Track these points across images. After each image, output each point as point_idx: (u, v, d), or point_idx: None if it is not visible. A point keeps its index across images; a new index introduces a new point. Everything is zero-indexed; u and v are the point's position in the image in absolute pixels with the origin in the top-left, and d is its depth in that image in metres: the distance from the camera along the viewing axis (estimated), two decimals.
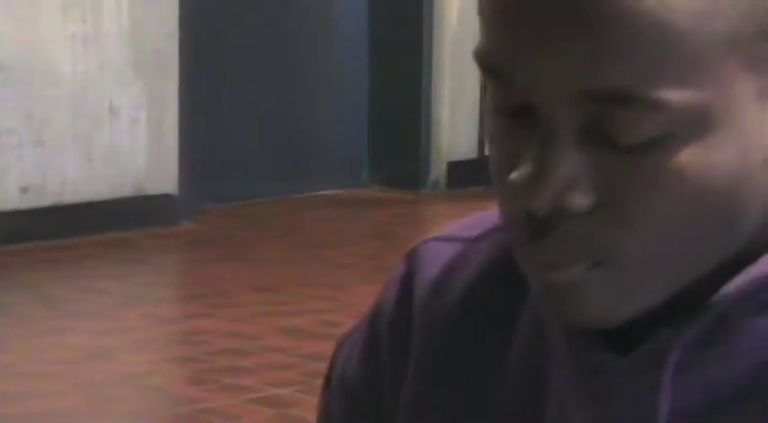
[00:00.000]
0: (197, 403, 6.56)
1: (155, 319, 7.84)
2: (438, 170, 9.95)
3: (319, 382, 1.59)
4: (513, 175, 1.23)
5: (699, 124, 1.24)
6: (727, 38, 1.23)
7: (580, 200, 1.25)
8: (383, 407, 1.54)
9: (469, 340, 1.49)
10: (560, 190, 1.25)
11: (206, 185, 8.91)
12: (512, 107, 1.27)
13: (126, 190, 8.68)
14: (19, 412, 5.96)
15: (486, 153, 1.35)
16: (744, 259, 1.32)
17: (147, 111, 8.76)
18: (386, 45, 10.05)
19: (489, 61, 1.25)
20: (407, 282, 1.54)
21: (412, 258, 1.55)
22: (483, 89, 3.21)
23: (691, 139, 1.24)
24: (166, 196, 8.79)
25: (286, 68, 9.64)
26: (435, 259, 1.54)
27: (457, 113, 9.37)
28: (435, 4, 9.90)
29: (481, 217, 1.43)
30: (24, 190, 8.34)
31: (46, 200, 8.38)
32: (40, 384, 6.40)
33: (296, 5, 9.75)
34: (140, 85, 8.71)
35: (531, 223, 1.27)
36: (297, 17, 9.76)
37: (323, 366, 1.57)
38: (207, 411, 6.38)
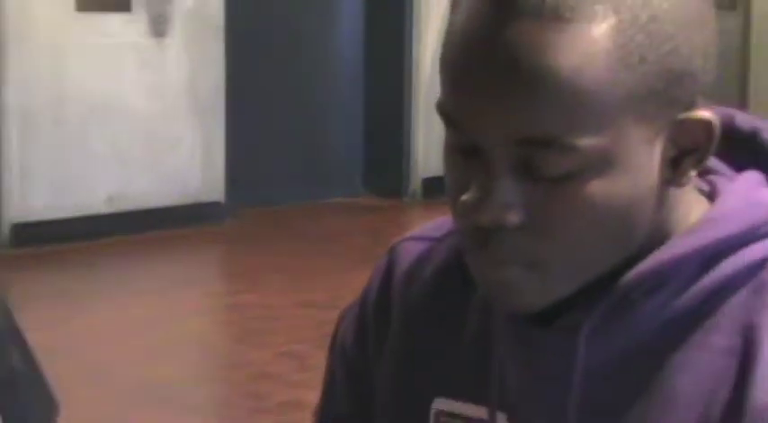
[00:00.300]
0: (238, 356, 6.54)
1: (205, 293, 7.81)
2: (415, 184, 9.81)
3: (328, 340, 1.58)
4: (464, 198, 1.25)
5: (602, 162, 1.24)
6: (624, 99, 1.23)
7: (512, 218, 1.26)
8: (369, 364, 1.53)
9: (433, 315, 1.48)
10: (498, 211, 1.26)
11: (244, 194, 8.80)
12: (462, 146, 1.27)
13: (185, 199, 8.61)
14: (100, 359, 5.95)
15: None
16: (638, 257, 1.31)
17: (201, 140, 8.70)
18: (377, 86, 9.89)
19: (445, 111, 1.25)
20: (388, 271, 1.54)
21: (392, 253, 1.54)
22: None
23: (596, 174, 1.24)
24: (215, 203, 8.73)
25: (301, 107, 9.53)
26: (409, 254, 1.53)
27: (429, 142, 9.25)
28: (414, 54, 9.76)
29: (443, 221, 1.41)
30: (110, 199, 8.29)
31: (126, 206, 8.34)
32: (118, 341, 6.38)
33: (307, 59, 9.64)
34: (196, 121, 8.65)
35: (477, 234, 1.28)
36: (307, 66, 9.65)
37: (330, 329, 1.57)
38: (245, 362, 6.35)
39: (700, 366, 1.31)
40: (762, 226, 1.32)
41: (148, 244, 8.13)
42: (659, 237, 1.32)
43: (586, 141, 1.22)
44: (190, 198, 8.64)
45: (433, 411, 1.45)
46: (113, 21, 8.30)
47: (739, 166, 1.39)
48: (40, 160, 8.06)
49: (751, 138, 1.41)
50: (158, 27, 8.45)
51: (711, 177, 1.38)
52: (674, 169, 1.29)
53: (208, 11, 8.65)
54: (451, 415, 1.44)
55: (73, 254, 7.84)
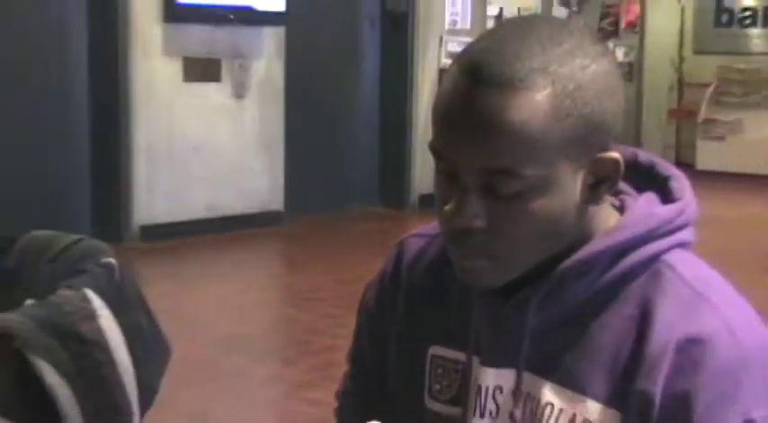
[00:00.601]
0: (293, 317, 6.52)
1: (270, 275, 7.80)
2: (414, 198, 9.79)
3: (356, 306, 1.61)
4: (445, 208, 1.30)
5: (541, 186, 1.26)
6: (557, 143, 1.25)
7: (478, 224, 1.28)
8: (385, 322, 1.54)
9: (430, 289, 1.49)
10: (468, 219, 1.28)
11: (297, 205, 8.76)
12: (445, 173, 1.32)
13: (256, 208, 8.59)
14: (198, 320, 5.98)
15: None
16: (569, 252, 1.32)
17: (268, 167, 8.68)
18: (388, 129, 9.90)
19: (434, 148, 1.30)
20: (398, 258, 1.56)
21: (401, 246, 1.57)
22: None
23: (537, 194, 1.26)
24: (277, 211, 8.71)
25: (335, 142, 9.57)
26: (413, 246, 1.56)
27: (424, 168, 9.21)
28: (414, 107, 9.75)
29: (436, 224, 1.39)
30: (207, 208, 8.29)
31: (217, 214, 8.34)
32: (210, 308, 6.39)
33: (338, 108, 9.63)
34: (264, 154, 8.64)
35: (454, 234, 1.31)
36: (338, 112, 9.66)
37: (357, 298, 1.60)
38: (298, 321, 6.35)
39: (612, 328, 1.32)
40: (655, 231, 1.33)
41: (231, 240, 8.13)
42: (583, 238, 1.34)
43: (530, 171, 1.25)
44: (259, 207, 8.62)
45: (429, 355, 1.45)
46: (208, 88, 8.28)
47: (640, 188, 1.41)
48: (158, 181, 8.05)
49: (649, 169, 1.44)
50: (239, 91, 8.44)
51: (621, 196, 1.40)
52: (592, 192, 1.32)
53: (273, 80, 8.65)
54: (441, 358, 1.45)
55: (181, 247, 7.83)
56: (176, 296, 6.27)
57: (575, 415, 1.30)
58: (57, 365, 2.42)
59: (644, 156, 1.45)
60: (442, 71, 9.75)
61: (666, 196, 1.38)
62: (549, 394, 1.33)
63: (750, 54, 11.92)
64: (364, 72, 9.87)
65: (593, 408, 1.29)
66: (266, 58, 8.61)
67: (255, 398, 4.85)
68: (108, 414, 2.48)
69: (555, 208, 1.28)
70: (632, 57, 12.86)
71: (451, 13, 9.98)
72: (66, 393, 2.41)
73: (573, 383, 1.31)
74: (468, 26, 10.06)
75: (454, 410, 1.42)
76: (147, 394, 2.62)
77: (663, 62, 12.63)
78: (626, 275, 1.32)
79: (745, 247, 8.39)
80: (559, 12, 12.36)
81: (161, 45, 7.97)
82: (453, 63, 1.29)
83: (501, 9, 11.18)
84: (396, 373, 1.51)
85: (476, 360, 1.41)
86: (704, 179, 11.44)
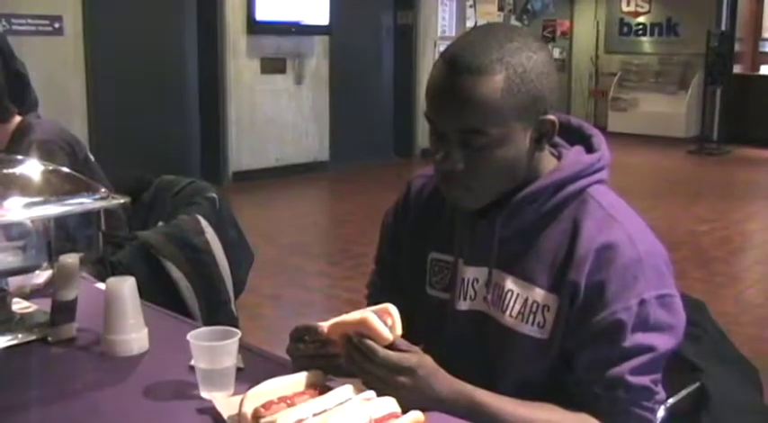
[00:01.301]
0: (336, 234, 6.53)
1: (319, 204, 7.81)
2: (418, 150, 9.64)
3: (379, 225, 1.58)
4: (436, 157, 1.31)
5: (502, 140, 1.26)
6: (511, 110, 1.25)
7: (459, 167, 1.28)
8: (399, 233, 1.53)
9: (429, 212, 1.47)
10: (452, 163, 1.28)
11: (339, 157, 8.72)
12: (436, 133, 1.29)
13: (310, 159, 8.54)
14: (272, 234, 5.92)
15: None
16: (523, 186, 1.32)
17: (317, 131, 8.63)
18: (401, 101, 9.77)
19: (427, 115, 1.30)
20: (408, 191, 1.54)
21: (408, 183, 1.55)
22: None
23: (499, 146, 1.27)
24: (324, 161, 8.69)
25: (365, 110, 9.44)
26: (417, 183, 1.53)
27: (425, 129, 9.13)
28: (417, 85, 9.65)
29: (432, 168, 1.38)
30: (276, 159, 8.24)
31: (284, 163, 8.26)
32: (281, 226, 6.35)
33: (369, 86, 9.51)
34: (315, 123, 8.60)
35: (442, 175, 1.31)
36: (369, 90, 9.54)
37: (380, 219, 1.57)
38: (340, 236, 6.35)
39: (553, 238, 1.31)
40: (582, 172, 1.37)
41: (293, 181, 8.09)
42: (533, 177, 1.33)
43: (493, 130, 1.25)
44: (313, 158, 8.55)
45: (429, 258, 1.44)
46: (277, 78, 8.19)
47: (572, 143, 1.40)
48: (244, 142, 7.98)
49: (578, 129, 1.43)
50: (298, 80, 8.35)
51: (559, 148, 1.39)
52: (537, 144, 1.31)
53: (321, 72, 8.56)
54: (438, 260, 1.44)
55: (260, 186, 7.77)
56: (257, 218, 6.27)
57: (527, 298, 1.31)
58: (178, 265, 2.45)
59: (574, 120, 1.44)
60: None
61: (590, 148, 1.39)
62: (510, 284, 1.33)
63: (642, 54, 11.99)
64: (383, 66, 9.70)
65: (539, 293, 1.30)
66: (316, 57, 8.52)
67: (311, 285, 4.89)
68: (213, 297, 2.51)
69: (511, 155, 1.28)
70: (564, 55, 12.79)
71: (442, 25, 9.92)
72: (185, 284, 2.44)
73: (526, 276, 1.32)
74: (454, 33, 9.99)
75: (445, 295, 1.42)
76: (239, 285, 2.65)
77: (585, 58, 12.56)
78: (562, 202, 1.32)
79: (640, 181, 8.34)
80: (515, 24, 12.25)
81: (245, 49, 7.89)
82: (439, 57, 1.29)
83: (476, 22, 11.06)
84: (406, 270, 1.50)
85: (461, 262, 1.40)
86: (613, 138, 11.37)
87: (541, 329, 1.29)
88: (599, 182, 1.34)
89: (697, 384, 1.42)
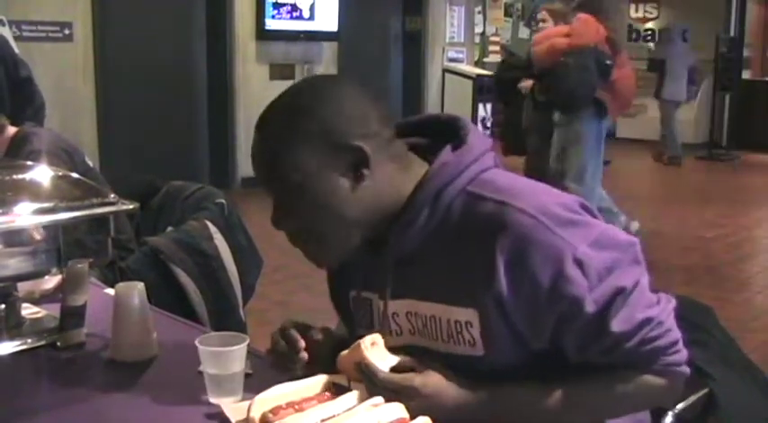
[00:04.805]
0: None
1: None
2: None
3: None
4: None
5: (304, 194, 1.25)
6: (291, 165, 1.22)
7: (291, 227, 1.31)
8: (330, 273, 1.54)
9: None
10: (283, 226, 1.31)
11: None
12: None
13: None
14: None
15: None
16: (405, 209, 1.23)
17: None
18: (408, 106, 9.79)
19: None
20: None
21: None
22: None
23: (308, 201, 1.24)
24: None
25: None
26: None
27: None
28: (425, 88, 9.60)
29: None
30: None
31: None
32: (283, 234, 6.37)
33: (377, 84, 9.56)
34: None
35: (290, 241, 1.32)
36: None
37: None
38: None
39: (452, 251, 1.22)
40: (451, 174, 1.22)
41: None
42: (407, 193, 1.24)
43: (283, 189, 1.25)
44: None
45: (351, 296, 1.38)
46: (286, 84, 7.96)
47: (449, 141, 1.28)
48: None
49: (450, 123, 1.30)
50: None
51: (437, 153, 1.26)
52: (357, 177, 1.21)
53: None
54: (355, 298, 1.37)
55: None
56: (266, 224, 6.23)
57: (449, 319, 1.22)
58: (187, 271, 2.45)
59: (444, 116, 1.33)
60: (444, 71, 9.68)
61: (459, 142, 1.26)
62: (427, 309, 1.25)
63: (651, 60, 11.94)
64: (392, 72, 9.68)
65: (457, 311, 1.21)
66: (325, 63, 8.51)
67: (320, 291, 4.87)
68: (221, 303, 2.51)
69: (327, 198, 1.21)
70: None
71: (450, 31, 9.89)
72: (193, 289, 2.44)
73: (440, 298, 1.23)
74: (463, 40, 9.99)
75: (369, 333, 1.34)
76: (247, 290, 2.65)
77: None
78: (445, 213, 1.22)
79: (649, 187, 8.31)
80: (523, 32, 12.21)
81: (254, 55, 7.90)
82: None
83: (484, 28, 11.08)
84: (341, 312, 1.46)
85: (374, 296, 1.33)
86: (622, 144, 11.36)
87: (473, 347, 1.21)
88: (482, 172, 1.23)
89: (705, 390, 1.39)
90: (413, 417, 1.14)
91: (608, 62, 4.75)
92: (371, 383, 1.17)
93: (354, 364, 1.20)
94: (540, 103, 5.02)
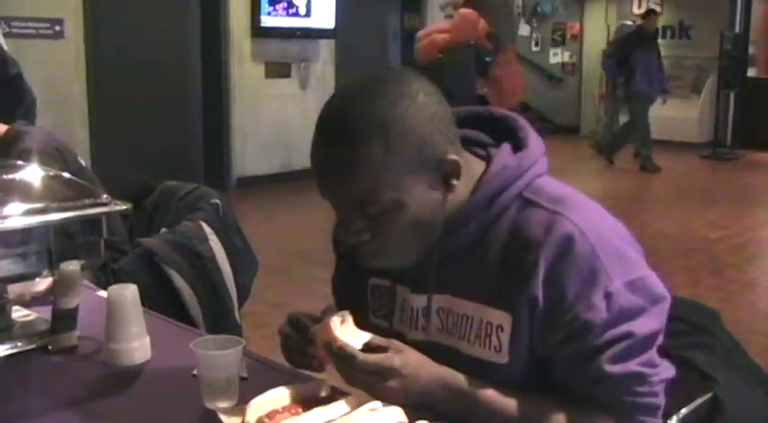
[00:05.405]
0: None
1: (325, 211, 7.79)
2: None
3: None
4: (336, 229, 1.28)
5: (400, 201, 1.19)
6: (402, 170, 1.18)
7: (364, 237, 1.24)
8: (342, 256, 1.54)
9: None
10: (354, 236, 1.26)
11: None
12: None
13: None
14: (281, 239, 5.93)
15: None
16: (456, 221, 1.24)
17: None
18: None
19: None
20: None
21: None
22: None
23: (399, 207, 1.20)
24: None
25: None
26: None
27: None
28: None
29: None
30: (281, 166, 8.21)
31: (289, 169, 8.21)
32: (283, 230, 6.37)
33: None
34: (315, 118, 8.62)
35: (351, 246, 1.28)
36: None
37: None
38: None
39: (497, 252, 1.23)
40: (510, 178, 1.24)
41: (298, 188, 8.03)
42: (469, 191, 1.25)
43: (384, 196, 1.19)
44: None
45: (369, 284, 1.38)
46: (282, 82, 8.22)
47: (499, 137, 1.31)
48: (248, 147, 8.02)
49: (503, 120, 1.32)
50: (303, 84, 8.39)
51: (488, 148, 1.29)
52: (445, 187, 1.22)
53: (326, 76, 8.57)
54: (378, 286, 1.37)
55: (264, 192, 7.76)
56: (262, 225, 6.25)
57: (481, 319, 1.23)
58: (181, 272, 2.45)
59: (498, 112, 1.34)
60: None
61: (517, 144, 1.28)
62: (461, 307, 1.26)
63: None
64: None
65: (491, 312, 1.22)
66: (322, 61, 8.53)
67: (317, 293, 4.87)
68: (216, 305, 2.51)
69: (417, 210, 1.20)
70: (575, 58, 12.78)
71: None
72: (188, 291, 2.44)
73: (476, 296, 1.24)
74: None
75: (386, 323, 1.36)
76: (243, 293, 2.65)
77: (595, 62, 12.48)
78: (499, 215, 1.23)
79: (652, 187, 8.31)
80: (524, 29, 12.23)
81: (250, 53, 7.91)
82: (317, 121, 1.23)
83: None
84: (350, 297, 1.44)
85: (400, 287, 1.34)
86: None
87: (498, 354, 1.22)
88: (536, 178, 1.25)
89: (710, 394, 1.39)
90: (395, 402, 1.15)
91: (487, 59, 4.70)
92: (348, 367, 1.17)
93: (324, 343, 1.20)
94: None
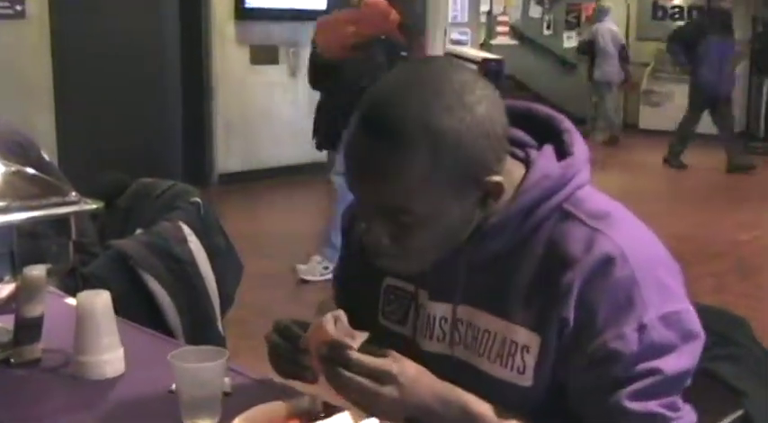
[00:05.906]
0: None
1: (316, 210, 7.80)
2: None
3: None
4: (360, 227, 1.28)
5: (433, 217, 1.19)
6: (444, 186, 1.17)
7: (384, 242, 1.24)
8: (354, 248, 1.51)
9: None
10: (375, 239, 1.25)
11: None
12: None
13: (307, 159, 8.53)
14: (266, 241, 5.94)
15: None
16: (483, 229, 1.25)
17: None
18: None
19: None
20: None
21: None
22: None
23: (430, 223, 1.20)
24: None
25: None
26: None
27: None
28: None
29: None
30: (268, 159, 8.23)
31: (277, 164, 8.25)
32: (274, 228, 6.39)
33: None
34: (311, 115, 8.66)
35: (368, 246, 1.27)
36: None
37: None
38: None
39: (530, 266, 1.23)
40: (551, 188, 1.24)
41: (287, 184, 8.05)
42: (502, 203, 1.25)
43: (420, 209, 1.18)
44: (309, 159, 8.50)
45: (384, 283, 1.38)
46: (269, 69, 8.25)
47: (539, 137, 1.30)
48: (232, 140, 8.05)
49: (546, 120, 1.32)
50: (292, 71, 8.40)
51: (526, 149, 1.29)
52: (482, 207, 1.23)
53: None
54: (394, 287, 1.37)
55: (249, 189, 7.78)
56: (246, 225, 6.22)
57: (505, 338, 1.23)
58: (158, 277, 2.45)
59: (540, 109, 1.33)
60: (446, 55, 9.67)
61: (560, 147, 1.28)
62: (484, 322, 1.26)
63: None
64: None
65: (519, 331, 1.22)
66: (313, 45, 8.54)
67: (307, 300, 4.88)
68: (197, 313, 2.52)
69: (446, 226, 1.22)
70: None
71: (453, 11, 9.91)
72: (166, 298, 2.45)
73: (503, 312, 1.24)
74: (466, 20, 10.01)
75: (399, 328, 1.36)
76: (226, 299, 2.66)
77: None
78: (535, 227, 1.24)
79: (676, 185, 8.32)
80: (535, 10, 12.23)
81: (234, 37, 7.94)
82: (359, 104, 1.20)
83: (491, 7, 11.10)
84: (358, 293, 1.44)
85: (422, 292, 1.34)
86: (646, 136, 11.36)
87: (521, 376, 1.22)
88: (578, 188, 1.25)
89: (740, 412, 1.39)
90: (390, 416, 1.16)
91: (403, 54, 4.53)
92: (342, 367, 1.17)
93: (317, 347, 1.20)
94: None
